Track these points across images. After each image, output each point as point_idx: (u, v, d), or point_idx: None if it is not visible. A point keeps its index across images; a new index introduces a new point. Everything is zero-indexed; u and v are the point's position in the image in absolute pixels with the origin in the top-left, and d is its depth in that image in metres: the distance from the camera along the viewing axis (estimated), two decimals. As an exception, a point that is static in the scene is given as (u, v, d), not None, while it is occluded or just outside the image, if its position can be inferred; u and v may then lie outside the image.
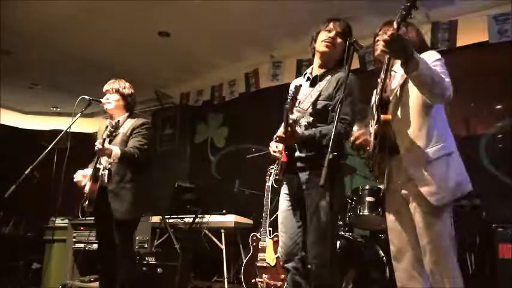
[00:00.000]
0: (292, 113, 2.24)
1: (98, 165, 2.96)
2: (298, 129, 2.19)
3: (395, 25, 1.77)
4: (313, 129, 2.20)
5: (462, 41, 3.98)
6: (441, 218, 1.90)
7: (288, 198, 2.33)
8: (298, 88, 2.37)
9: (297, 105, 2.29)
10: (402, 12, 1.73)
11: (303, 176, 2.24)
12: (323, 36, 2.32)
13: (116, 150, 2.87)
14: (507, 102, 3.74)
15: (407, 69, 1.81)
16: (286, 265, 2.29)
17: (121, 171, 3.00)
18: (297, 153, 2.26)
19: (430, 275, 1.91)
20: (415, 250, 1.98)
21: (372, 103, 2.17)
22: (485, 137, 3.78)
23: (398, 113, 1.99)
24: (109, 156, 2.87)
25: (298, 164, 2.26)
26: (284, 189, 2.36)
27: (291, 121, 2.09)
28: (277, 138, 2.15)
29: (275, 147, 2.26)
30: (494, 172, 3.62)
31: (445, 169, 1.90)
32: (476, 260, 3.10)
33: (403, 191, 1.99)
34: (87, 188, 3.00)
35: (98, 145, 2.78)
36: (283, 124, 2.10)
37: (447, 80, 1.88)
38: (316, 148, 2.17)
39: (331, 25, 2.32)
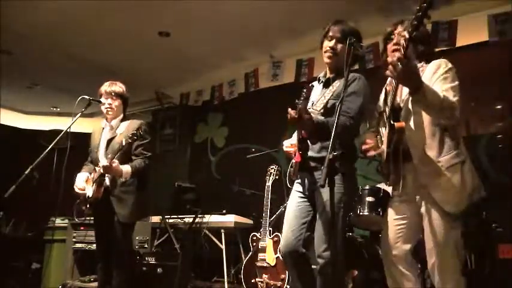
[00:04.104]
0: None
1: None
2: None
3: (403, 42, 1.66)
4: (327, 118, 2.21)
5: (462, 40, 3.98)
6: (452, 224, 1.91)
7: (300, 195, 2.37)
8: (310, 89, 2.33)
9: (310, 106, 2.29)
10: (411, 27, 1.60)
11: (316, 175, 2.28)
12: (324, 45, 2.35)
13: (127, 169, 2.93)
14: (507, 102, 3.73)
15: (413, 98, 1.79)
16: (286, 259, 2.33)
17: None
18: (310, 153, 2.29)
19: (432, 275, 1.92)
20: (407, 251, 2.02)
21: (380, 110, 2.17)
22: (485, 137, 3.77)
23: (411, 121, 1.98)
24: (119, 175, 2.92)
25: (311, 164, 2.29)
26: (296, 187, 2.41)
27: (300, 106, 2.04)
28: (290, 117, 2.09)
29: (288, 144, 2.36)
30: (494, 172, 3.61)
31: (459, 177, 1.90)
32: (476, 260, 3.09)
33: (417, 196, 2.00)
34: (90, 192, 3.02)
35: (105, 163, 2.82)
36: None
37: (455, 99, 1.86)
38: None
39: (330, 32, 2.32)
